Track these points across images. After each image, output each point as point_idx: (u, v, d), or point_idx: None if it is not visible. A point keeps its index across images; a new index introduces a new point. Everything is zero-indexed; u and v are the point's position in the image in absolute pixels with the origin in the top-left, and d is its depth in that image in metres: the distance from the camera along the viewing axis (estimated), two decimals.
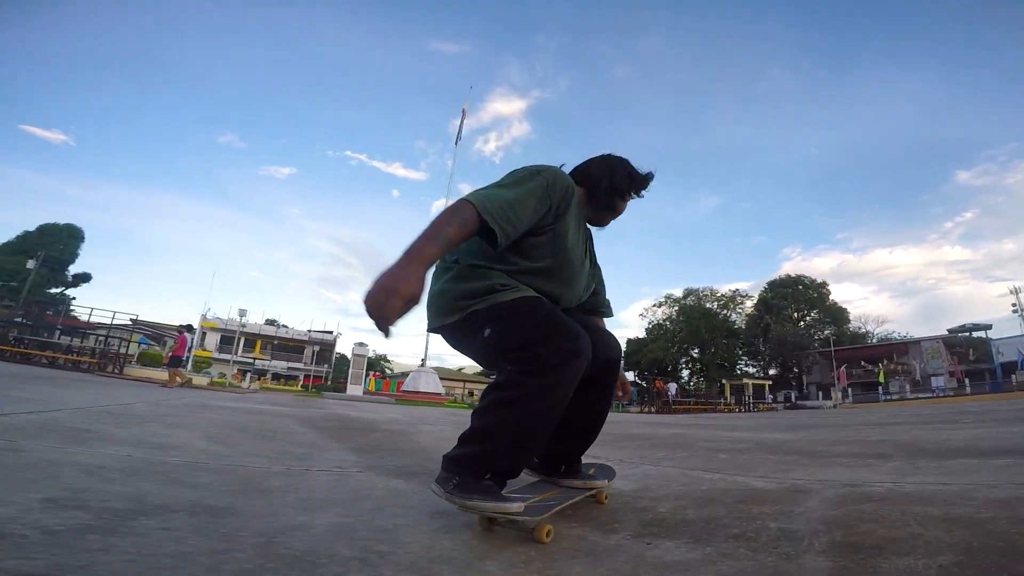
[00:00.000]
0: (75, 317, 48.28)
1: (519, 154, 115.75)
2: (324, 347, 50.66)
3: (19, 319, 26.70)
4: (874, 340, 49.81)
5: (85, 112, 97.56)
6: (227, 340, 44.73)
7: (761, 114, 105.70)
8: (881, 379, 37.16)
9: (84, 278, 48.93)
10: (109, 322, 28.51)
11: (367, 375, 23.48)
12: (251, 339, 47.13)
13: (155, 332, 50.55)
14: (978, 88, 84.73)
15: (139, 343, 38.15)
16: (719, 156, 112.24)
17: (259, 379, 37.15)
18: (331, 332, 51.74)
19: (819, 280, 55.05)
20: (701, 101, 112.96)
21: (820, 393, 41.42)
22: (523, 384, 1.24)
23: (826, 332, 50.79)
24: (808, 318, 53.07)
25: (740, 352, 54.07)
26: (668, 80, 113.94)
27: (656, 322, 55.89)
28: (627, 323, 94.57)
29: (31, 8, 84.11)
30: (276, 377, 45.04)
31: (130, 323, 52.55)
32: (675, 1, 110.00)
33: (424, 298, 1.19)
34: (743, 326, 54.08)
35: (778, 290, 53.02)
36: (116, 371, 16.21)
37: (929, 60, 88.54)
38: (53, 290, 45.97)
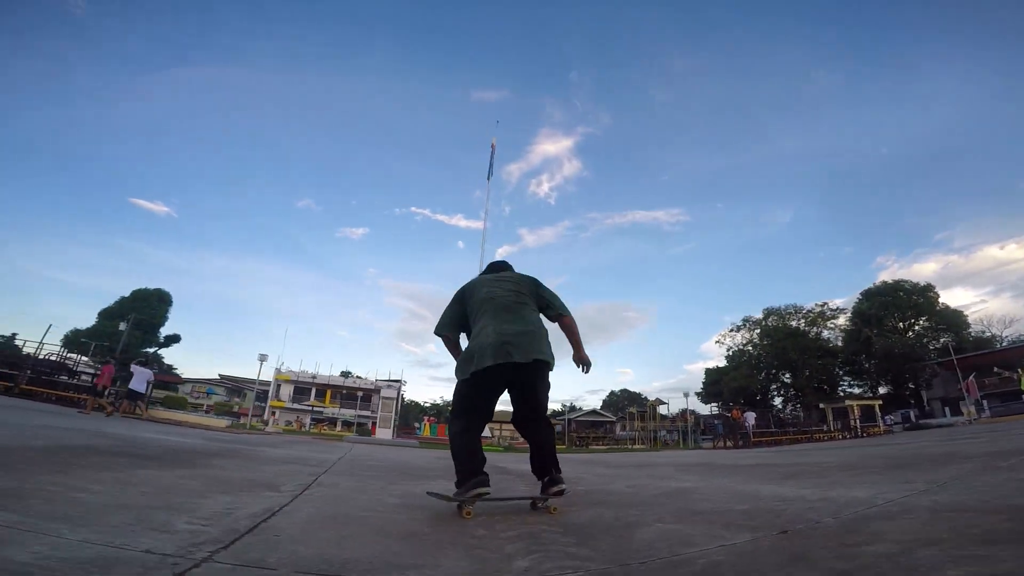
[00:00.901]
0: (175, 373, 54.77)
1: (574, 192, 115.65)
2: (387, 395, 50.99)
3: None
4: (1003, 343, 42.38)
5: (184, 185, 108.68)
6: (300, 391, 49.25)
7: (815, 119, 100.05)
8: (1022, 386, 30.90)
9: (175, 339, 54.10)
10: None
11: (422, 419, 22.74)
12: (321, 389, 50.37)
13: (236, 385, 56.59)
14: None
15: (207, 392, 41.67)
16: (779, 168, 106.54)
17: (322, 426, 38.35)
18: (398, 380, 52.11)
19: (922, 284, 48.33)
20: (747, 114, 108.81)
21: (947, 409, 35.17)
22: None
23: (942, 340, 44.05)
24: (917, 327, 46.32)
25: (840, 372, 47.87)
26: (708, 97, 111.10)
27: (736, 348, 51.16)
28: (710, 354, 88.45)
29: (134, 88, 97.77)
30: (347, 424, 46.90)
31: (218, 377, 57.62)
32: (695, 18, 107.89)
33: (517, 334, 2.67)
34: (839, 343, 48.14)
35: (875, 299, 46.89)
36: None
37: (988, 34, 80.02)
38: (148, 350, 50.68)
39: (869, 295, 47.83)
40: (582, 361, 2.98)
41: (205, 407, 41.37)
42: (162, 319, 52.16)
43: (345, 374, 56.43)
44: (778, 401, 48.16)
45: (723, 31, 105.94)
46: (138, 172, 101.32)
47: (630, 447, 25.07)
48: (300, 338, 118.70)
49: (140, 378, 13.47)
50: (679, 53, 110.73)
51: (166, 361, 58.76)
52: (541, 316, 2.92)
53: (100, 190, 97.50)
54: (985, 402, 31.72)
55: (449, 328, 2.91)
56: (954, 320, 45.77)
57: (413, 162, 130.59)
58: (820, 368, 45.67)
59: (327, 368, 54.61)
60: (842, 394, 42.06)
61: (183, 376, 56.18)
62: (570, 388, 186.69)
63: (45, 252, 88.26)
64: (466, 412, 2.65)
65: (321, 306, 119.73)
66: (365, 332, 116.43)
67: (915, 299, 46.28)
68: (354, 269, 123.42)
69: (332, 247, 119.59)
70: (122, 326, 42.69)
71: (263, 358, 23.12)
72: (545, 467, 2.70)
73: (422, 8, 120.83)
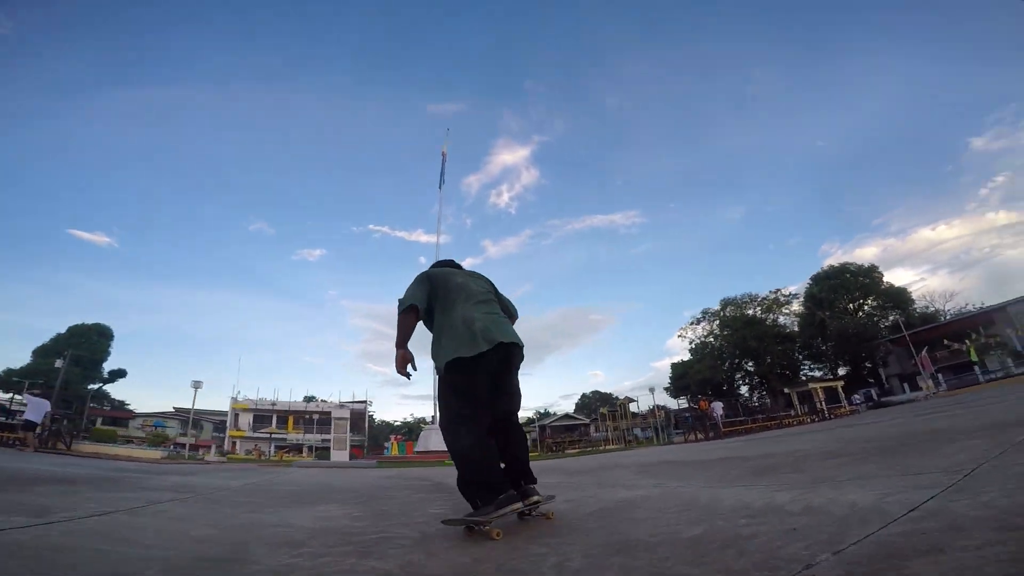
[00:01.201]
0: (127, 408, 53.76)
1: (533, 201, 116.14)
2: (356, 417, 50.19)
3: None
4: (947, 317, 44.13)
5: (124, 213, 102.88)
6: (260, 419, 47.92)
7: (758, 116, 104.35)
8: (973, 357, 31.92)
9: (120, 373, 52.18)
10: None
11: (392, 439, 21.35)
12: (283, 416, 49.02)
13: (191, 417, 52.73)
14: (963, 53, 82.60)
15: (154, 425, 43.69)
16: (730, 166, 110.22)
17: (282, 453, 36.97)
18: (363, 401, 51.58)
19: (866, 265, 50.04)
20: (697, 115, 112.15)
21: (905, 385, 36.04)
22: None
23: (891, 318, 45.51)
24: (866, 307, 47.76)
25: (800, 357, 48.83)
26: (659, 101, 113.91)
27: (699, 341, 51.50)
28: (674, 350, 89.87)
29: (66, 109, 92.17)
30: (312, 449, 44.20)
31: (173, 411, 55.08)
32: (644, 19, 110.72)
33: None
34: (796, 328, 49.16)
35: (824, 283, 48.04)
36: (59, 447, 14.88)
37: (908, 33, 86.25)
38: (92, 386, 48.91)
39: (818, 279, 48.92)
40: None
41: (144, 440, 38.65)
42: (103, 354, 49.90)
43: (309, 399, 55.01)
44: (744, 390, 48.68)
45: (669, 35, 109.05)
46: (75, 201, 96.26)
47: (602, 448, 24.36)
48: (262, 366, 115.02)
49: (35, 408, 12.16)
50: (630, 57, 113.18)
51: (115, 396, 57.36)
52: None
53: (33, 220, 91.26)
54: (939, 375, 32.67)
55: (422, 302, 2.58)
56: (900, 298, 47.29)
57: (369, 179, 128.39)
58: (781, 354, 46.37)
59: (287, 394, 53.13)
60: (804, 378, 42.76)
61: (135, 411, 54.29)
62: (544, 395, 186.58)
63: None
64: (475, 410, 2.35)
65: (284, 332, 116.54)
66: (331, 355, 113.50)
67: (861, 280, 47.64)
68: (314, 292, 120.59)
69: (290, 270, 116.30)
70: (58, 363, 40.56)
71: (197, 384, 21.22)
72: (525, 472, 2.44)
73: (372, 25, 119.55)
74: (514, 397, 2.55)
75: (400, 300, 2.58)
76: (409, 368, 2.53)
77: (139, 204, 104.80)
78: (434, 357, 2.53)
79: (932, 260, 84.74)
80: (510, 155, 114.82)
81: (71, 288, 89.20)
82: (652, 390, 23.49)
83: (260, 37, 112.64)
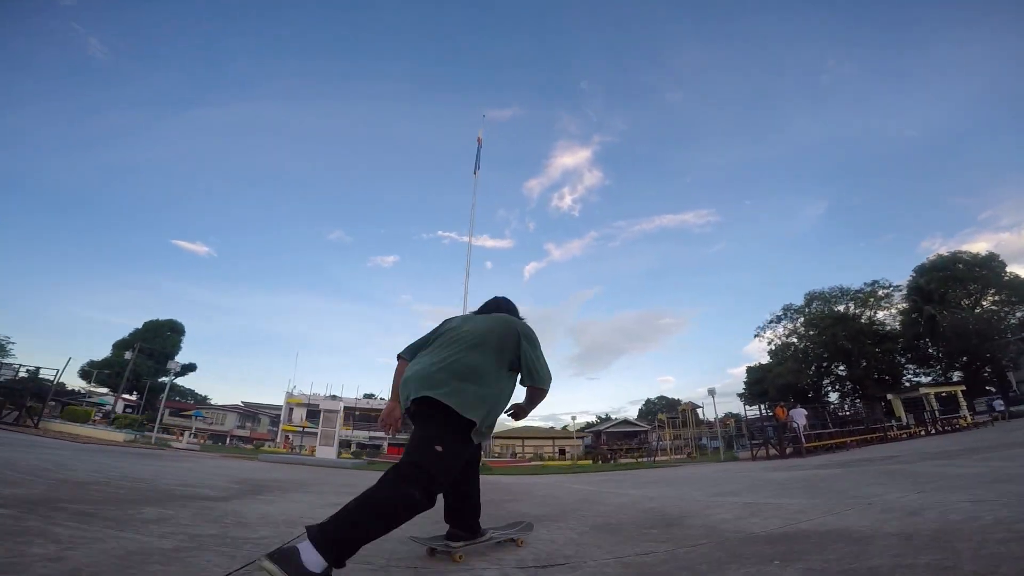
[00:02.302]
0: (188, 400, 59.00)
1: (597, 202, 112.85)
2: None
3: None
4: None
5: (220, 225, 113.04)
6: (312, 414, 47.72)
7: (835, 106, 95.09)
8: None
9: (190, 367, 55.55)
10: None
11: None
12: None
13: (250, 411, 58.76)
14: None
15: (193, 415, 45.70)
16: (808, 159, 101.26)
17: (312, 447, 36.86)
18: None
19: (982, 254, 42.06)
20: (767, 107, 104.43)
21: None
22: None
23: (1019, 315, 37.91)
24: (985, 302, 39.99)
25: (902, 360, 41.83)
26: (722, 93, 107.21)
27: (780, 341, 45.75)
28: (752, 355, 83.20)
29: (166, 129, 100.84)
30: (362, 447, 45.61)
31: (241, 404, 59.62)
32: (697, 15, 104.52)
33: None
34: (897, 327, 42.13)
35: (932, 274, 40.66)
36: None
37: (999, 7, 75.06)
38: (162, 379, 50.40)
39: (923, 271, 41.77)
40: (518, 414, 2.44)
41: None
42: (175, 348, 53.08)
43: (369, 396, 55.55)
44: (834, 397, 42.43)
45: (728, 25, 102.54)
46: (178, 213, 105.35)
47: (649, 462, 20.88)
48: (333, 365, 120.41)
49: None
50: (686, 51, 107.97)
51: (188, 387, 62.64)
52: (504, 372, 2.23)
53: (142, 233, 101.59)
54: None
55: (408, 352, 2.42)
56: None
57: (436, 187, 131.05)
58: (879, 356, 39.96)
59: (350, 391, 54.77)
60: (908, 384, 36.38)
61: (201, 402, 59.19)
62: (611, 400, 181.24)
63: (91, 295, 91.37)
64: None
65: (362, 333, 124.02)
66: None
67: (977, 271, 40.07)
68: (388, 296, 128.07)
69: (365, 276, 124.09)
70: (128, 355, 45.12)
71: (173, 367, 19.73)
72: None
73: (429, 33, 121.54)
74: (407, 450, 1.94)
75: None
76: (390, 429, 2.35)
77: (232, 216, 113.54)
78: None
79: None
80: (571, 157, 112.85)
81: (173, 293, 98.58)
82: (712, 391, 19.50)
83: (326, 55, 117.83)
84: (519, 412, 2.40)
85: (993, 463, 4.70)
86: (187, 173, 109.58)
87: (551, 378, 2.31)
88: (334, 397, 51.20)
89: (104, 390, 45.56)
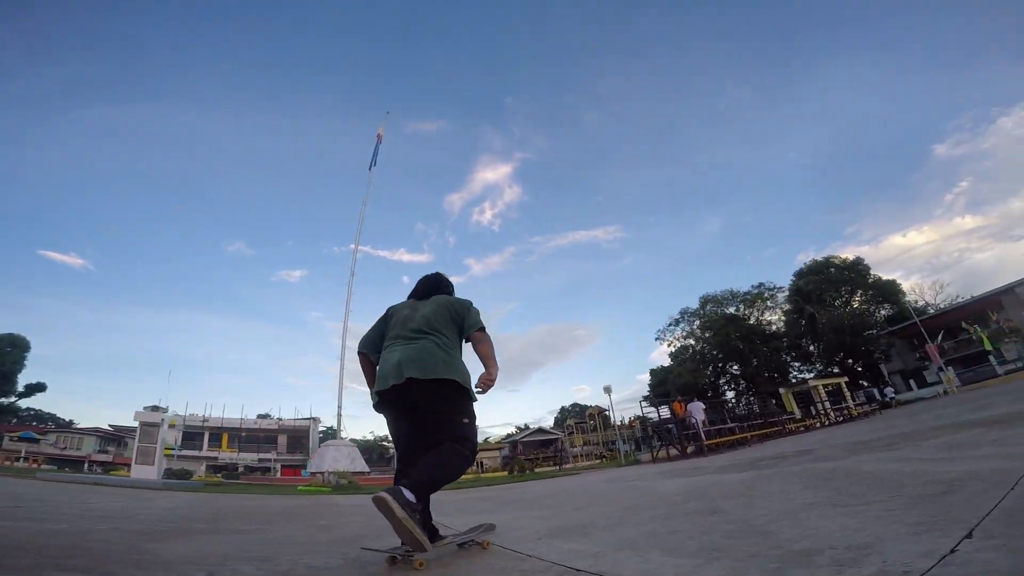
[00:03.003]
0: (38, 424, 50.77)
1: (517, 218, 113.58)
2: (296, 434, 48.15)
3: None
4: (938, 310, 40.33)
5: (98, 234, 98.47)
6: (189, 436, 44.54)
7: (732, 130, 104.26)
8: (987, 345, 27.94)
9: (38, 387, 49.26)
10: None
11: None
12: (216, 433, 46.33)
13: (116, 435, 49.88)
14: (923, 64, 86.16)
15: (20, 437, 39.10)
16: (707, 179, 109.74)
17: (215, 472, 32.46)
18: (309, 419, 48.73)
19: (851, 259, 46.20)
20: (673, 130, 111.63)
21: (911, 382, 31.92)
22: None
23: (882, 313, 41.66)
24: (855, 301, 43.67)
25: (788, 358, 44.43)
26: (636, 116, 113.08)
27: (679, 344, 46.93)
28: (658, 361, 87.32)
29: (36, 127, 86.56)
30: (250, 469, 42.77)
31: (109, 427, 50.68)
32: (621, 36, 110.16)
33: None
34: (783, 327, 44.88)
35: (809, 277, 43.83)
36: None
37: (870, 45, 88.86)
38: (2, 400, 46.44)
39: (802, 274, 45.05)
40: (486, 382, 2.42)
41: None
42: (17, 366, 46.35)
43: (262, 416, 52.91)
44: (730, 395, 43.98)
45: (645, 52, 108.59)
46: (48, 222, 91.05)
47: (559, 469, 19.37)
48: (226, 386, 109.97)
49: None
50: (606, 73, 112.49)
51: (47, 411, 56.39)
52: (459, 343, 2.65)
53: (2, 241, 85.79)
54: (950, 368, 28.57)
55: (368, 346, 2.71)
56: (889, 290, 43.45)
57: (349, 199, 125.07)
58: (768, 355, 41.99)
59: (237, 411, 50.46)
60: (795, 379, 38.37)
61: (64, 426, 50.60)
62: (531, 412, 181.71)
63: None
64: (396, 448, 2.53)
65: (268, 353, 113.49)
66: (314, 375, 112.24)
67: (847, 274, 43.72)
68: (295, 313, 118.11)
69: (269, 292, 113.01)
70: None
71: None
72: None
73: (353, 46, 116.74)
74: (436, 426, 2.34)
75: None
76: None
77: (113, 224, 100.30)
78: None
79: (905, 266, 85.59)
80: (492, 172, 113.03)
81: (44, 310, 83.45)
82: (608, 390, 18.37)
83: (243, 55, 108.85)
84: (487, 381, 2.42)
85: (966, 452, 3.27)
86: (59, 178, 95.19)
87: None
88: (205, 419, 45.87)
89: None
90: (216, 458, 43.84)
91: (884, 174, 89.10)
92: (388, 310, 2.78)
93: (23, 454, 29.16)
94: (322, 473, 14.98)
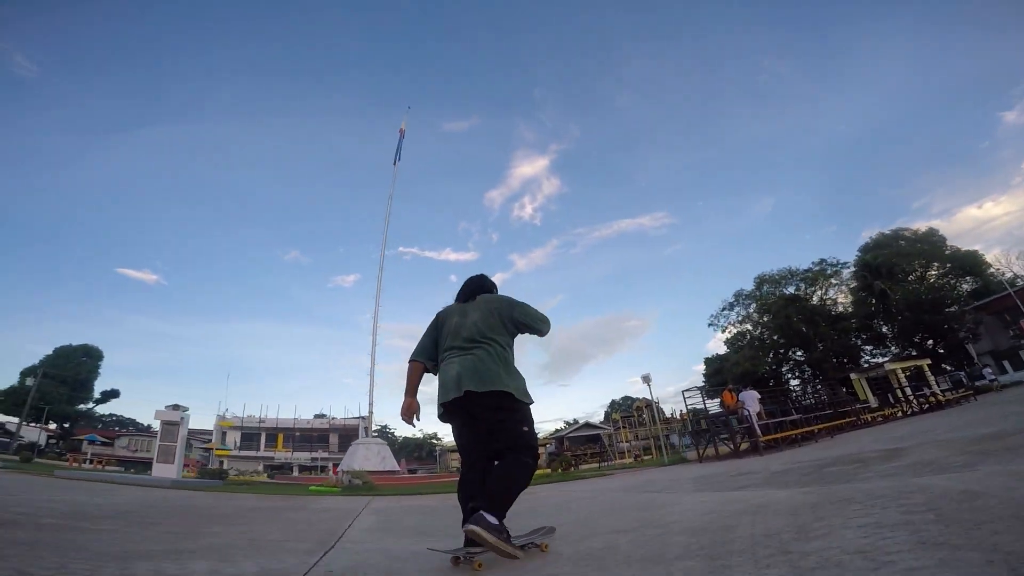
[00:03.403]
0: (110, 428, 55.43)
1: (557, 210, 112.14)
2: (347, 433, 48.54)
3: None
4: None
5: (166, 250, 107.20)
6: (248, 437, 47.09)
7: (774, 106, 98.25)
8: None
9: (113, 394, 51.68)
10: None
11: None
12: (272, 433, 48.17)
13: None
14: (976, 26, 78.15)
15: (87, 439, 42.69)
16: (752, 158, 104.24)
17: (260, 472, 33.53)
18: (359, 417, 48.05)
19: (923, 229, 41.47)
20: (711, 109, 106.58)
21: (1006, 363, 28.22)
22: None
23: (965, 288, 37.20)
24: (932, 275, 39.17)
25: (858, 342, 40.44)
26: (670, 97, 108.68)
27: (735, 330, 43.86)
28: (716, 350, 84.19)
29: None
30: (304, 469, 43.86)
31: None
32: (645, 16, 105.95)
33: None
34: (850, 307, 40.94)
35: (877, 251, 39.28)
36: None
37: (914, 9, 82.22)
38: (81, 407, 48.56)
39: (868, 249, 40.68)
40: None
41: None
42: (92, 374, 49.44)
43: (319, 416, 53.43)
44: (795, 383, 40.58)
45: (672, 30, 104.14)
46: (121, 240, 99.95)
47: (598, 468, 17.94)
48: (290, 391, 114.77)
49: None
50: (634, 56, 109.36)
51: (128, 416, 60.64)
52: (512, 343, 2.78)
53: (86, 261, 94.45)
54: None
55: (423, 355, 2.79)
56: (972, 262, 38.60)
57: (396, 203, 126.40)
58: (835, 338, 38.31)
59: (305, 412, 52.65)
60: (866, 364, 34.81)
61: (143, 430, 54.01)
62: (583, 406, 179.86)
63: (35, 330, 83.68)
64: (462, 451, 2.63)
65: (325, 355, 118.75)
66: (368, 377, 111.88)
67: (920, 246, 39.08)
68: (352, 316, 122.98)
69: (326, 296, 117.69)
70: (29, 382, 41.77)
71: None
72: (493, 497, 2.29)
73: (376, 45, 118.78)
74: (495, 436, 2.47)
75: None
76: (414, 419, 2.69)
77: (180, 241, 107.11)
78: None
79: (983, 239, 79.89)
80: (529, 166, 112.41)
81: (124, 324, 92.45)
82: (647, 379, 16.51)
83: (273, 71, 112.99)
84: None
85: None
86: (128, 198, 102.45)
87: (548, 319, 2.81)
88: (262, 420, 47.32)
89: (14, 419, 41.40)
90: (272, 458, 45.49)
91: (950, 144, 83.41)
92: (438, 316, 2.87)
93: (89, 456, 30.51)
94: (343, 472, 14.48)
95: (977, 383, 21.97)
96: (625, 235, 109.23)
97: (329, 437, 49.38)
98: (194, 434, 54.07)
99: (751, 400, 11.60)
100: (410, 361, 2.73)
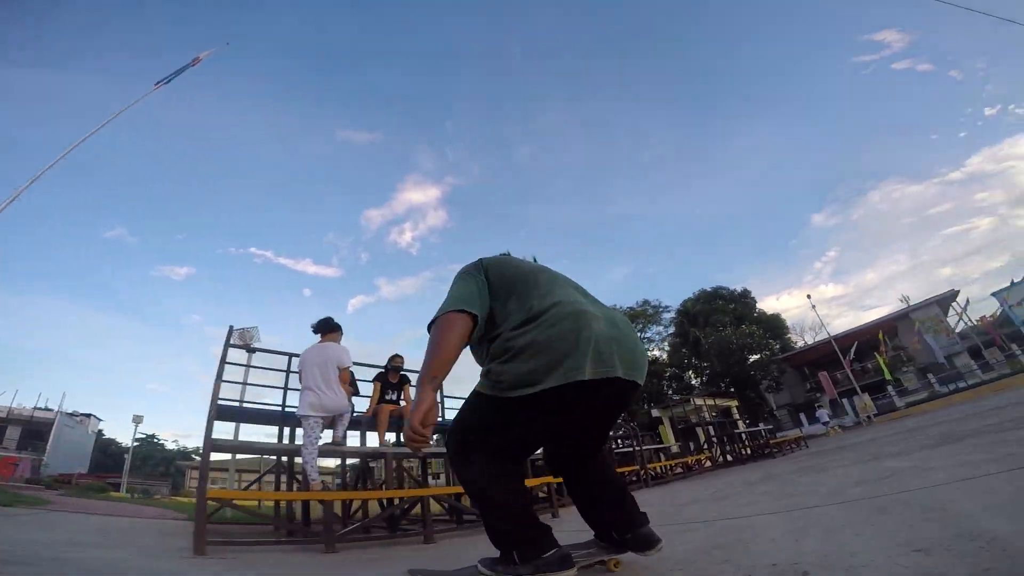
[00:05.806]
0: None
1: (437, 243, 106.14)
2: (35, 426, 34.46)
3: None
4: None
5: None
6: None
7: (650, 181, 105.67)
8: (887, 374, 23.81)
9: None
10: None
11: None
12: None
13: None
14: (811, 133, 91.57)
15: None
16: (620, 227, 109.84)
17: None
18: (51, 409, 36.03)
19: (738, 290, 43.73)
20: (597, 175, 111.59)
21: (801, 415, 27.24)
22: None
23: (775, 344, 38.59)
24: (743, 330, 40.40)
25: (670, 392, 39.54)
26: (566, 156, 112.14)
27: None
28: None
29: None
30: None
31: None
32: (566, 74, 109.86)
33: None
34: (665, 358, 40.47)
35: (697, 303, 40.57)
36: None
37: (774, 116, 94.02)
38: None
39: (688, 301, 41.66)
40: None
41: None
42: None
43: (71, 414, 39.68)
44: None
45: (590, 90, 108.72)
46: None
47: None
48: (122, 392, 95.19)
49: None
50: (549, 109, 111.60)
51: None
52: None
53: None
54: (844, 401, 24.10)
55: (476, 303, 1.52)
56: (775, 324, 40.84)
57: (257, 199, 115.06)
58: (650, 384, 36.33)
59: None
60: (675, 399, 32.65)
61: None
62: None
63: None
64: (517, 452, 1.57)
65: (129, 354, 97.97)
66: (182, 385, 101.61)
67: (733, 306, 40.77)
68: (170, 314, 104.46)
69: (146, 286, 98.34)
70: None
71: None
72: (631, 512, 1.61)
73: (306, 43, 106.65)
74: (602, 436, 1.78)
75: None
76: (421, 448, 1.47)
77: None
78: (495, 376, 1.42)
79: (775, 329, 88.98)
80: (420, 193, 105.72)
81: None
82: None
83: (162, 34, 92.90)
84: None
85: None
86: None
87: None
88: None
89: None
90: None
91: (770, 238, 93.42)
92: (486, 266, 1.68)
93: None
94: None
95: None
96: None
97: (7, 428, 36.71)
98: None
99: None
100: (453, 311, 1.45)
